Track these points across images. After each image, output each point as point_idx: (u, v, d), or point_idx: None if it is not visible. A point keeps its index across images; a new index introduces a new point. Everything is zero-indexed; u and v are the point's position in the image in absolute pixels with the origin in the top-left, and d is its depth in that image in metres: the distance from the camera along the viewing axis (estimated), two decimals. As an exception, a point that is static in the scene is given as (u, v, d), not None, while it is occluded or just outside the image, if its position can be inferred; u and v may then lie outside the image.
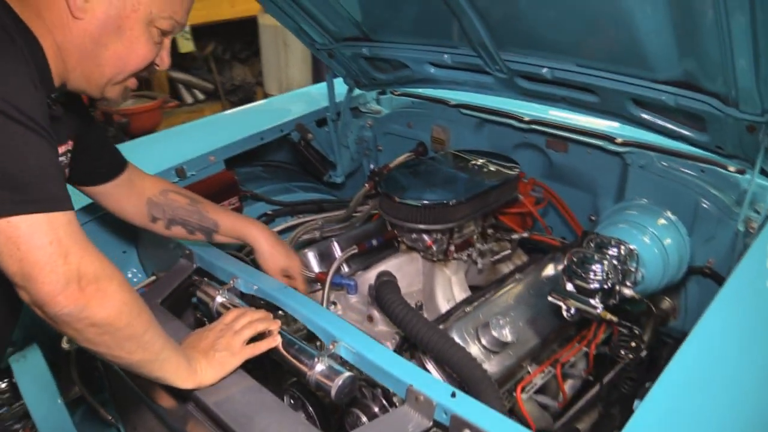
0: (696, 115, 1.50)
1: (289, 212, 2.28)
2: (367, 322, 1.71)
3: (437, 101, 2.32)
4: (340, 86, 2.41)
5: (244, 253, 1.84)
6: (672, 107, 1.50)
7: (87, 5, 1.07)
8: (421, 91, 2.42)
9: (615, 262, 1.45)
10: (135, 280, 2.00)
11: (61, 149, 1.23)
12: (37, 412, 1.58)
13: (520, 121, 2.05)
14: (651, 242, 1.59)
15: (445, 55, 1.90)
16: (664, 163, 1.78)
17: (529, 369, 1.65)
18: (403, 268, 1.84)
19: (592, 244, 1.54)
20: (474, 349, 1.50)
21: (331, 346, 1.32)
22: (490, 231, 1.89)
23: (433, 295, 1.76)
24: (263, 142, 2.27)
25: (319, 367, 1.27)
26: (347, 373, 1.26)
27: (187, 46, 5.46)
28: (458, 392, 1.15)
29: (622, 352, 1.54)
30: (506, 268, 1.94)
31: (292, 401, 1.52)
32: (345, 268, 1.94)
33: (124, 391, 1.55)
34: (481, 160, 1.94)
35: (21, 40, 1.01)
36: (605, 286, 1.43)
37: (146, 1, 1.11)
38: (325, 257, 1.89)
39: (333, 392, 1.24)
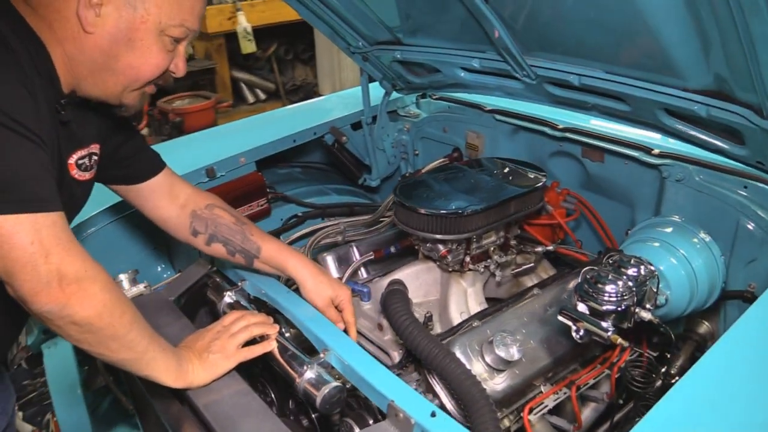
0: (731, 127, 1.37)
1: (319, 214, 2.29)
2: (377, 331, 1.69)
3: (473, 106, 2.26)
4: (380, 90, 2.39)
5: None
6: (704, 118, 1.38)
7: (98, 20, 1.10)
8: (459, 95, 2.36)
9: (631, 283, 1.35)
10: (165, 276, 2.07)
11: (81, 152, 1.26)
12: (57, 398, 1.66)
13: (554, 128, 1.96)
14: (678, 263, 1.48)
15: (474, 60, 1.85)
16: (704, 177, 1.65)
17: (543, 389, 1.58)
18: (420, 277, 1.80)
19: (610, 262, 1.45)
20: (478, 366, 1.44)
21: (321, 355, 1.31)
22: (513, 242, 1.82)
23: (446, 307, 1.71)
24: (295, 145, 2.28)
25: (308, 375, 1.27)
26: (334, 383, 1.25)
27: (249, 47, 5.61)
28: (439, 412, 1.11)
29: (635, 381, 1.43)
30: (530, 281, 1.86)
31: (295, 407, 1.53)
32: (364, 274, 1.92)
33: (134, 385, 1.60)
34: (507, 169, 1.86)
35: (24, 48, 1.06)
36: (618, 308, 1.34)
37: (155, 11, 1.12)
38: (344, 262, 1.88)
39: (318, 401, 1.23)
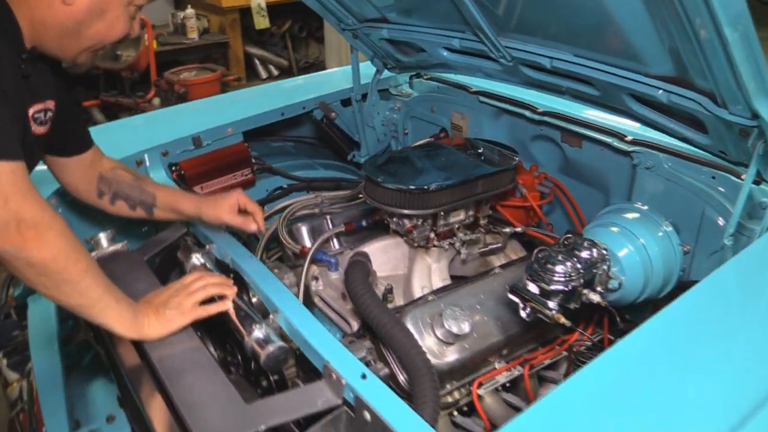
0: (693, 115, 1.38)
1: (304, 187, 2.33)
2: (340, 300, 1.73)
3: (459, 87, 2.27)
4: (371, 68, 2.41)
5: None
6: (666, 105, 1.39)
7: None
8: (450, 76, 2.37)
9: (580, 265, 1.37)
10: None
11: (38, 106, 1.32)
12: (35, 349, 1.72)
13: (534, 111, 1.97)
14: (635, 250, 1.49)
15: (455, 40, 1.86)
16: (672, 166, 1.65)
17: (497, 365, 1.61)
18: (389, 252, 1.83)
19: (565, 244, 1.46)
20: (429, 339, 1.48)
21: (271, 316, 1.35)
22: (483, 222, 1.84)
23: (410, 281, 1.74)
24: (284, 118, 2.32)
25: (256, 334, 1.32)
26: (279, 344, 1.30)
27: (262, 22, 5.63)
28: (369, 375, 1.15)
29: (579, 362, 1.46)
30: (498, 261, 1.88)
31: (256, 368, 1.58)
32: (336, 246, 1.96)
33: (105, 339, 1.66)
34: (480, 149, 1.88)
35: None
36: (566, 289, 1.36)
37: None
38: (317, 233, 1.92)
39: (262, 359, 1.28)
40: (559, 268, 1.37)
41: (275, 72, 6.27)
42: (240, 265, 1.49)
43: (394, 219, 1.74)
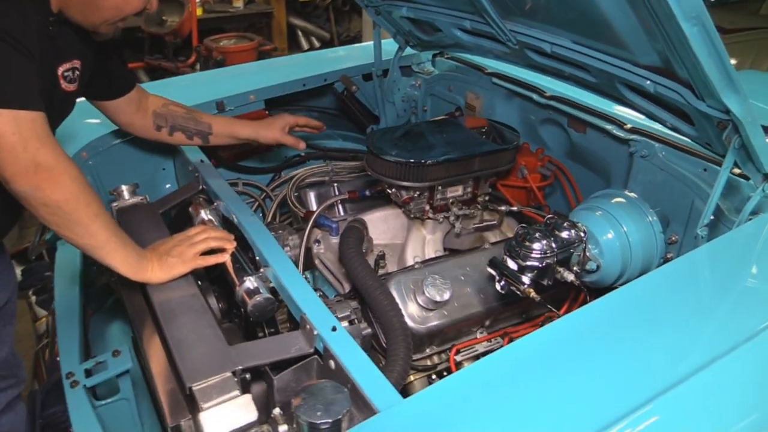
0: (678, 107, 1.41)
1: (321, 156, 2.43)
2: (337, 263, 1.83)
3: (475, 67, 2.32)
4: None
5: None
6: (653, 95, 1.42)
7: None
8: (470, 57, 2.41)
9: (554, 244, 1.43)
10: (170, 194, 2.28)
11: (67, 65, 1.46)
12: (58, 291, 1.88)
13: (542, 95, 2.00)
14: (615, 235, 1.54)
15: (466, 21, 1.91)
16: (666, 156, 1.68)
17: (478, 335, 1.70)
18: (389, 221, 1.92)
19: (547, 224, 1.52)
20: (411, 305, 1.57)
21: (262, 270, 1.47)
22: (480, 199, 1.90)
23: (404, 251, 1.83)
24: (305, 89, 2.42)
25: (246, 284, 1.43)
26: (266, 295, 1.41)
27: (307, -6, 5.71)
28: (339, 328, 1.25)
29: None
30: (493, 238, 1.95)
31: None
32: (341, 212, 2.06)
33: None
34: (485, 129, 1.94)
35: None
36: (540, 265, 1.42)
37: None
38: (323, 199, 2.03)
39: (248, 308, 1.40)
40: (535, 246, 1.43)
41: (317, 44, 6.36)
42: (241, 222, 1.61)
43: (393, 190, 1.82)
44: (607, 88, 1.62)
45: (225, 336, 1.40)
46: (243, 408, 1.17)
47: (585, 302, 1.61)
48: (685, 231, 1.66)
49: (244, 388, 1.28)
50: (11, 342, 1.84)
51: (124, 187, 1.89)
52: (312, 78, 2.42)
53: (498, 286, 1.47)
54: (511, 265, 1.46)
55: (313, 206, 2.03)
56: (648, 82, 1.41)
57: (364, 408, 1.10)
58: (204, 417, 1.15)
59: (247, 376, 1.30)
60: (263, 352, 1.29)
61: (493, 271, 1.48)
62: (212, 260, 1.51)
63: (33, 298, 2.16)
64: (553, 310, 1.47)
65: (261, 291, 1.42)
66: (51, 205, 1.24)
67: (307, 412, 1.05)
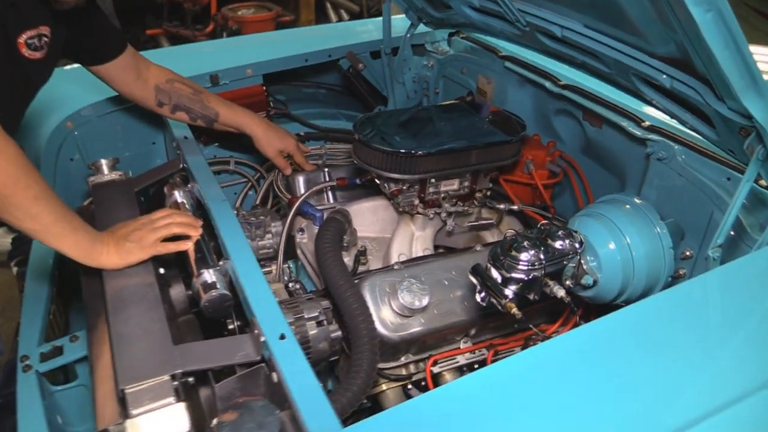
0: (696, 106, 1.22)
1: (321, 137, 2.30)
2: (318, 256, 1.71)
3: (488, 49, 2.13)
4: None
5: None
6: (669, 90, 1.24)
7: None
8: (485, 38, 2.23)
9: (543, 255, 1.27)
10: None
11: (30, 32, 1.35)
12: (31, 269, 1.80)
13: (556, 83, 1.82)
14: (617, 248, 1.37)
15: (476, -1, 1.74)
16: (686, 160, 1.49)
17: (462, 345, 1.56)
18: (378, 213, 1.79)
19: (540, 231, 1.36)
20: (385, 310, 1.44)
21: (221, 263, 1.36)
22: (478, 195, 1.74)
23: (390, 246, 1.70)
24: (308, 64, 2.27)
25: (204, 277, 1.32)
26: (222, 291, 1.30)
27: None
28: (289, 336, 1.13)
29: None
30: (491, 238, 1.80)
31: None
32: (331, 200, 1.94)
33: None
34: (489, 118, 1.77)
35: None
36: (525, 278, 1.27)
37: None
38: (312, 184, 1.90)
39: (202, 303, 1.29)
40: (522, 256, 1.28)
41: (346, 17, 6.15)
42: (210, 207, 1.50)
43: (379, 181, 1.68)
44: (622, 79, 1.44)
45: (176, 332, 1.30)
46: (174, 418, 1.07)
47: (576, 323, 1.47)
48: (701, 245, 1.48)
49: (187, 393, 1.18)
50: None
51: (103, 161, 1.79)
52: (315, 53, 2.28)
53: (478, 297, 1.32)
54: (495, 275, 1.31)
55: (302, 191, 1.90)
56: (664, 75, 1.23)
57: (298, 434, 0.99)
58: (130, 425, 1.05)
59: (190, 379, 1.19)
60: (208, 356, 1.18)
61: (474, 280, 1.33)
62: (172, 248, 1.41)
63: (14, 269, 2.10)
64: (536, 330, 1.32)
65: (218, 286, 1.31)
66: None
67: (228, 436, 0.94)
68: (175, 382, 1.13)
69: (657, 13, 1.06)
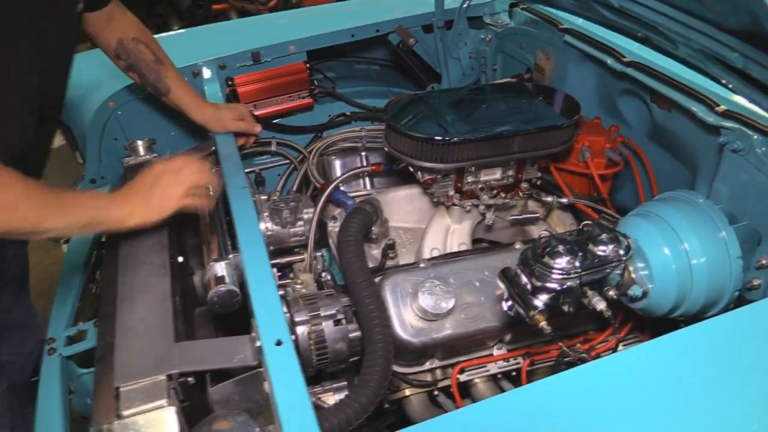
0: (778, 90, 1.01)
1: (368, 117, 2.19)
2: (346, 247, 1.62)
3: (549, 22, 1.92)
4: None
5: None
6: (741, 71, 1.03)
7: None
8: (547, 9, 2.01)
9: (578, 263, 1.11)
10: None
11: None
12: (69, 249, 1.82)
13: (618, 60, 1.60)
14: (672, 256, 1.18)
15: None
16: (767, 152, 1.26)
17: (495, 352, 1.43)
18: (414, 202, 1.67)
19: (582, 233, 1.20)
20: (407, 312, 1.32)
21: (231, 255, 1.29)
22: (524, 185, 1.58)
23: (422, 240, 1.57)
24: (353, 40, 2.15)
25: (214, 270, 1.26)
26: (230, 287, 1.24)
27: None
28: (286, 342, 1.04)
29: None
30: (538, 232, 1.63)
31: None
32: (368, 186, 1.83)
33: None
34: (539, 99, 1.59)
35: None
36: (558, 287, 1.12)
37: None
38: (349, 169, 1.79)
39: (209, 297, 1.23)
40: (556, 262, 1.12)
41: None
42: (229, 195, 1.42)
43: (412, 169, 1.55)
44: (689, 57, 1.22)
45: (186, 326, 1.25)
46: (164, 422, 1.01)
47: (615, 344, 1.30)
48: (778, 253, 1.26)
49: (186, 395, 1.13)
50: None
51: (139, 142, 1.78)
52: (362, 28, 2.14)
53: (504, 306, 1.18)
54: (525, 281, 1.16)
55: (336, 176, 1.81)
56: (735, 53, 1.02)
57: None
58: (118, 427, 1.01)
59: (190, 379, 1.14)
60: (206, 357, 1.13)
61: (502, 285, 1.19)
62: (198, 203, 1.36)
63: (64, 247, 2.15)
64: (564, 348, 1.17)
65: (226, 281, 1.24)
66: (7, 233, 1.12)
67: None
68: (173, 383, 1.08)
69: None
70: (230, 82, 2.01)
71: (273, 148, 2.09)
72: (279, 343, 1.04)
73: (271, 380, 0.98)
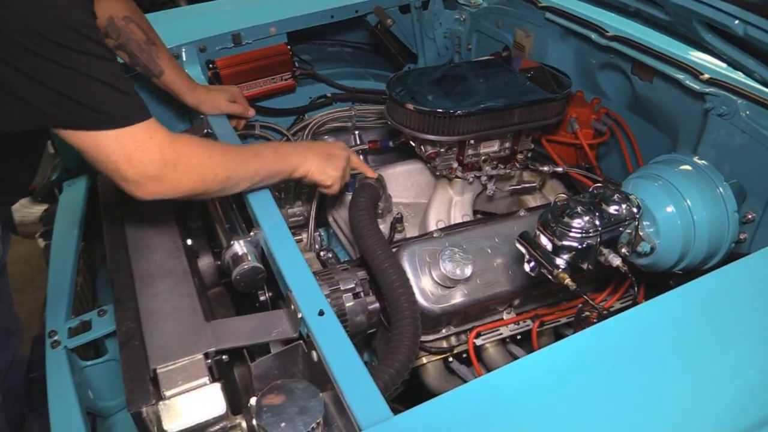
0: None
1: (349, 98, 2.19)
2: (351, 224, 1.63)
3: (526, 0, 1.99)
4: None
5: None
6: (741, 37, 1.11)
7: None
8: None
9: (598, 221, 1.17)
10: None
11: None
12: (56, 241, 1.76)
13: (602, 35, 1.68)
14: (677, 212, 1.26)
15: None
16: (751, 116, 1.36)
17: (505, 316, 1.48)
18: (413, 177, 1.70)
19: (594, 194, 1.26)
20: (426, 280, 1.36)
21: (252, 233, 1.28)
22: (521, 156, 1.64)
23: (426, 213, 1.61)
24: (333, 21, 2.15)
25: (234, 249, 1.25)
26: (254, 264, 1.23)
27: None
28: (328, 312, 1.06)
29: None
30: (534, 202, 1.70)
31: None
32: (363, 165, 1.84)
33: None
34: (531, 74, 1.65)
35: None
36: (579, 246, 1.18)
37: None
38: (342, 149, 1.80)
39: (232, 276, 1.22)
40: (575, 222, 1.18)
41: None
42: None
43: (415, 143, 1.58)
44: (682, 28, 1.30)
45: (207, 307, 1.24)
46: (209, 399, 1.01)
47: (634, 296, 1.38)
48: (765, 208, 1.37)
49: (221, 372, 1.12)
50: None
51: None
52: (341, 9, 2.14)
53: (527, 267, 1.23)
54: (545, 243, 1.21)
55: (331, 156, 1.81)
56: (736, 21, 1.10)
57: (343, 417, 0.92)
58: (163, 407, 1.00)
59: (224, 357, 1.13)
60: (242, 333, 1.12)
61: (522, 248, 1.24)
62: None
63: (41, 242, 2.06)
64: (591, 302, 1.23)
65: (249, 258, 1.24)
66: (190, 195, 1.14)
67: (268, 421, 0.88)
68: (209, 361, 1.08)
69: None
70: (212, 65, 1.97)
71: (257, 131, 2.07)
72: (321, 313, 1.06)
73: (320, 348, 1.00)
